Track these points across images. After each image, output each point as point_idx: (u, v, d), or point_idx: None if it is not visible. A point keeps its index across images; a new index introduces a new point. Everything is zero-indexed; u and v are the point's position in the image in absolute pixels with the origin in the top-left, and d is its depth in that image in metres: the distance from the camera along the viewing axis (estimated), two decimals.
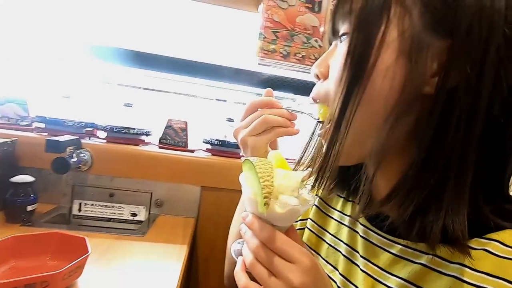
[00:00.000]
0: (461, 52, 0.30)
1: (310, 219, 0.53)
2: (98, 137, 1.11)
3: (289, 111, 0.50)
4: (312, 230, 0.52)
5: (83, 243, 0.60)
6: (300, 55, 1.05)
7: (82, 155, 0.95)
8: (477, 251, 0.30)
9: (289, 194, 0.33)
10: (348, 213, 0.47)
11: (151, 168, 1.02)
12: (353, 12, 0.33)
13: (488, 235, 0.31)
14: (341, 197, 0.50)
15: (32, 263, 0.60)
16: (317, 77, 0.39)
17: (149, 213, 1.03)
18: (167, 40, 1.22)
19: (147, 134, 1.11)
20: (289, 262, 0.31)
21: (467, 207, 0.31)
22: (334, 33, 0.38)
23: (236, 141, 0.53)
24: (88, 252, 0.57)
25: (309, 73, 1.11)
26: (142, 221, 1.02)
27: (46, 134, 0.94)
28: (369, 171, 0.36)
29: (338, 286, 0.43)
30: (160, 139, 1.13)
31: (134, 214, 1.03)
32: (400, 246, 0.37)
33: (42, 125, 1.03)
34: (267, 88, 0.52)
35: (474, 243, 0.31)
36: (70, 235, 0.64)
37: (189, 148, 1.12)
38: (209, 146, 1.10)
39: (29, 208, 0.81)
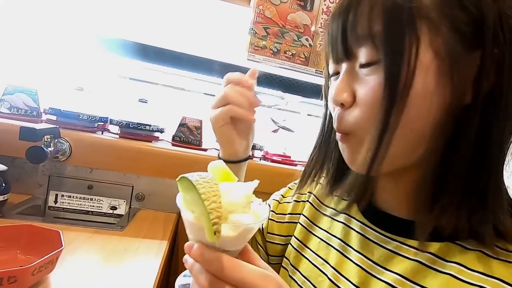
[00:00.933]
0: (492, 59, 0.31)
1: (303, 214, 0.54)
2: (111, 132, 1.08)
3: (257, 96, 0.49)
4: (304, 225, 0.53)
5: (57, 237, 0.58)
6: (290, 53, 1.04)
7: (60, 144, 0.92)
8: (473, 252, 0.32)
9: (241, 212, 0.29)
10: (340, 210, 0.48)
11: (132, 161, 0.99)
12: (376, 37, 0.32)
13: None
14: (335, 195, 0.51)
15: (0, 257, 0.56)
16: (341, 105, 0.37)
17: (130, 207, 1.00)
18: (158, 31, 1.19)
19: (161, 131, 1.10)
20: None
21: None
22: (348, 55, 0.36)
23: None
24: (61, 246, 0.55)
25: (299, 71, 1.10)
26: (122, 215, 0.99)
27: (57, 126, 0.90)
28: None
29: (329, 279, 0.43)
30: (174, 136, 1.11)
31: (113, 208, 1.00)
32: (396, 243, 0.38)
33: (54, 117, 0.99)
34: (253, 68, 0.51)
35: (470, 243, 0.33)
36: (43, 228, 0.61)
37: (203, 147, 1.12)
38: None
39: (0, 198, 0.77)
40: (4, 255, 0.57)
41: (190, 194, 0.28)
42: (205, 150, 1.12)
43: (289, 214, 0.57)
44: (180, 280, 0.36)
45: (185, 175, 0.29)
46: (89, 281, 0.57)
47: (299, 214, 0.55)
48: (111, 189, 0.99)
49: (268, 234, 0.58)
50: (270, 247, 0.57)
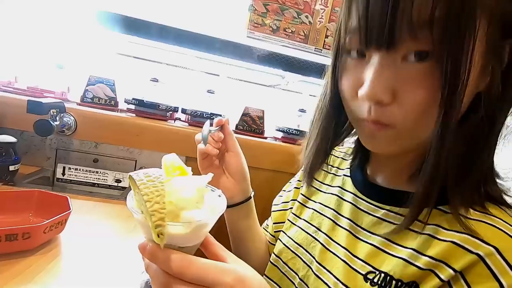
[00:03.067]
0: None
1: (301, 193, 0.58)
2: (181, 120, 1.13)
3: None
4: (300, 201, 0.58)
5: (66, 202, 0.62)
6: (290, 31, 1.05)
7: (66, 119, 0.95)
8: (451, 214, 0.35)
9: (193, 207, 0.28)
10: (335, 185, 0.52)
11: (134, 136, 1.03)
12: (435, 25, 0.27)
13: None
14: (328, 172, 0.56)
15: (14, 219, 0.61)
16: (380, 102, 0.32)
17: None
18: (157, 7, 1.19)
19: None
20: (207, 287, 0.28)
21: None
22: (393, 44, 0.30)
23: None
24: (70, 209, 0.59)
25: (298, 49, 1.10)
26: (126, 187, 1.04)
27: (62, 101, 0.93)
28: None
29: (321, 244, 0.46)
30: (237, 125, 1.15)
31: (118, 180, 1.05)
32: (384, 211, 0.41)
33: (132, 107, 1.05)
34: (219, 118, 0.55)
35: (450, 208, 0.35)
36: (52, 194, 0.65)
37: (265, 135, 1.16)
38: (283, 134, 1.14)
39: (12, 168, 0.81)
40: (18, 217, 0.62)
41: (137, 193, 0.27)
42: (265, 138, 1.16)
43: (291, 200, 0.61)
44: (143, 277, 0.35)
45: (132, 173, 0.27)
46: (96, 241, 0.62)
47: (295, 199, 0.60)
48: (115, 163, 1.04)
49: (274, 225, 0.63)
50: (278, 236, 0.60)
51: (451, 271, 0.32)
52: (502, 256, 0.30)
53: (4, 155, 0.81)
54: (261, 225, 0.66)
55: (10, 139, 0.82)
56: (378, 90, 0.31)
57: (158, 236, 0.26)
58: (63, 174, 1.02)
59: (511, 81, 0.32)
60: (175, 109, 1.09)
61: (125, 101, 1.06)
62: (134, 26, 1.09)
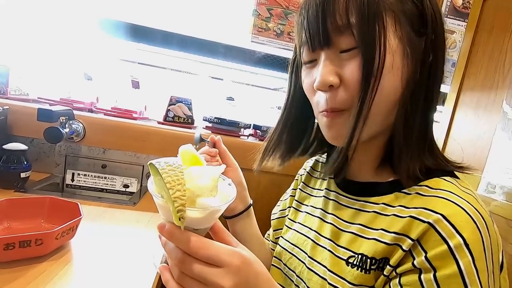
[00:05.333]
0: (431, 42, 0.40)
1: (295, 200, 0.63)
2: (244, 135, 1.16)
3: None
4: (294, 207, 0.62)
5: (76, 208, 0.63)
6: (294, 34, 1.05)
7: (75, 126, 0.97)
8: (412, 195, 0.41)
9: (207, 195, 0.31)
10: (323, 188, 0.56)
11: (142, 142, 1.04)
12: (353, 27, 0.37)
13: (421, 183, 0.41)
14: (317, 178, 0.61)
15: (26, 225, 0.62)
16: (330, 87, 0.41)
17: (141, 185, 1.06)
18: (161, 14, 1.20)
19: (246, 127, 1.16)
20: (217, 267, 0.31)
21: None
22: (328, 43, 0.40)
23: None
24: (80, 215, 0.60)
25: None
26: (134, 193, 1.05)
27: (71, 108, 0.96)
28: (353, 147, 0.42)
29: (312, 240, 0.51)
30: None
31: (126, 186, 1.06)
32: (360, 202, 0.47)
33: (209, 124, 1.11)
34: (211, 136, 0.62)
35: (411, 189, 0.41)
36: (63, 200, 0.67)
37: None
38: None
39: (23, 175, 0.83)
40: (30, 223, 0.63)
41: (158, 179, 0.30)
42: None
43: (288, 207, 0.65)
44: (157, 261, 0.38)
45: (153, 161, 0.30)
46: (106, 246, 0.63)
47: (290, 207, 0.65)
48: (123, 168, 1.05)
49: (274, 232, 0.66)
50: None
51: (410, 241, 0.36)
52: (448, 221, 0.34)
53: (15, 163, 0.82)
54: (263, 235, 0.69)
55: (21, 146, 0.84)
56: (327, 77, 0.40)
57: (180, 219, 0.29)
58: (72, 180, 1.03)
59: (433, 70, 0.41)
60: (249, 126, 1.15)
61: (204, 119, 1.11)
62: (141, 33, 1.11)
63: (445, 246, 0.33)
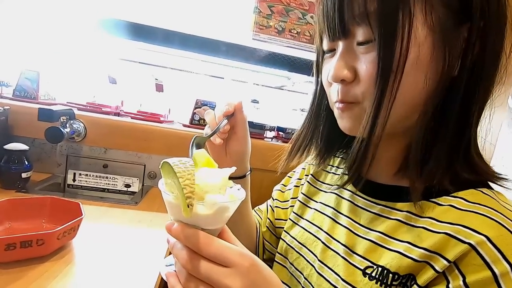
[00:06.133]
0: (477, 32, 0.34)
1: (301, 193, 0.59)
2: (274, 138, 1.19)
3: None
4: (302, 201, 0.58)
5: (77, 208, 0.63)
6: (295, 31, 1.04)
7: (76, 125, 0.96)
8: (444, 206, 0.36)
9: (216, 192, 0.31)
10: (335, 184, 0.52)
11: (143, 141, 1.03)
12: (371, 16, 0.33)
13: (455, 194, 0.36)
14: (328, 172, 0.57)
15: (27, 225, 0.62)
16: (342, 81, 0.38)
17: (143, 185, 1.06)
18: (162, 13, 1.20)
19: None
20: (225, 267, 0.30)
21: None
22: (345, 33, 0.37)
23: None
24: (82, 215, 0.60)
25: (304, 50, 1.10)
26: (136, 192, 1.04)
27: (71, 108, 0.97)
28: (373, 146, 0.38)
29: (322, 242, 0.47)
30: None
31: (128, 185, 1.05)
32: (380, 206, 0.43)
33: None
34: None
35: (443, 200, 0.37)
36: (64, 200, 0.66)
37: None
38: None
39: (24, 175, 0.83)
40: (31, 223, 0.63)
41: (169, 176, 0.30)
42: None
43: (291, 199, 0.62)
44: (164, 268, 0.37)
45: (167, 160, 0.31)
46: (108, 246, 0.63)
47: (296, 197, 0.60)
48: (124, 168, 1.05)
49: (276, 221, 0.63)
50: (279, 231, 0.61)
51: (445, 261, 0.32)
52: (493, 244, 0.30)
53: (16, 163, 0.82)
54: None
55: (22, 146, 0.83)
56: (341, 70, 0.37)
57: (188, 206, 0.28)
58: (74, 180, 1.03)
59: (478, 65, 0.35)
60: (273, 128, 1.16)
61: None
62: (140, 32, 1.10)
63: (489, 273, 0.29)
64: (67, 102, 1.15)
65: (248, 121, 0.56)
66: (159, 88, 1.19)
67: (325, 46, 0.42)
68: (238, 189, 0.36)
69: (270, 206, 0.66)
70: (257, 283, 0.31)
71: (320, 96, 0.48)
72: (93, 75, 1.26)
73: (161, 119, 1.16)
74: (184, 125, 1.13)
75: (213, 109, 0.53)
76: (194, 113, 1.11)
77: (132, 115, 1.14)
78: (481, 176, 0.38)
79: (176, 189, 0.29)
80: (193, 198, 0.29)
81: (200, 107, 1.11)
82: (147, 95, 1.25)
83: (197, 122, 1.12)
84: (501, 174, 0.38)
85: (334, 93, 0.41)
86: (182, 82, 1.37)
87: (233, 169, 0.34)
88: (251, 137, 0.57)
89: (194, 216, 0.30)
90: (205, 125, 0.55)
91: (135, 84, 1.29)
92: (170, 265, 0.37)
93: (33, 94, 1.07)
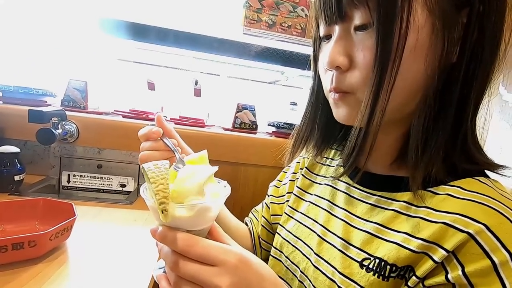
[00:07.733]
0: (477, 16, 0.33)
1: (297, 186, 0.59)
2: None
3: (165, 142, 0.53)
4: (297, 194, 0.58)
5: (70, 208, 0.62)
6: (286, 25, 1.03)
7: (68, 126, 0.95)
8: (441, 195, 0.36)
9: (196, 193, 0.30)
10: (329, 175, 0.52)
11: (136, 140, 1.02)
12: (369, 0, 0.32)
13: (451, 182, 0.36)
14: (323, 164, 0.57)
15: (20, 228, 0.62)
16: (337, 67, 0.37)
17: (138, 184, 1.05)
18: (150, 9, 1.18)
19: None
20: (212, 266, 0.30)
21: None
22: (342, 16, 0.35)
23: None
24: (75, 216, 0.59)
25: (296, 43, 1.09)
26: (131, 192, 1.04)
27: (63, 109, 0.95)
28: (369, 136, 0.37)
29: (318, 235, 0.47)
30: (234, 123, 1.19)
31: (123, 185, 1.05)
32: (376, 197, 0.42)
33: (275, 129, 1.16)
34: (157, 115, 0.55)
35: (440, 189, 0.36)
36: (57, 201, 0.66)
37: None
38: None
39: (17, 178, 0.82)
40: (24, 226, 0.62)
41: (148, 181, 0.30)
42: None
43: (287, 193, 0.61)
44: (156, 272, 0.37)
45: (144, 164, 0.31)
46: (103, 246, 0.62)
47: (291, 192, 0.60)
48: (119, 168, 1.04)
49: (272, 217, 0.63)
50: (276, 228, 0.61)
51: (443, 251, 0.32)
52: (492, 232, 0.30)
53: (8, 166, 0.81)
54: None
55: (14, 149, 0.83)
56: (335, 57, 0.36)
57: (162, 212, 0.28)
58: (68, 181, 1.02)
59: (477, 51, 0.34)
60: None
61: (269, 124, 1.15)
62: (134, 30, 1.09)
63: (488, 262, 0.29)
64: (114, 111, 1.16)
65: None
66: (197, 93, 1.20)
67: (322, 32, 0.40)
68: (225, 186, 0.35)
69: (266, 203, 0.66)
70: (247, 279, 0.31)
71: (318, 86, 0.48)
72: (131, 82, 1.26)
73: (204, 123, 1.16)
74: (225, 129, 1.14)
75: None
76: (236, 117, 1.14)
77: (175, 121, 1.13)
78: (478, 165, 0.37)
79: (150, 191, 0.29)
80: (167, 203, 0.28)
81: (241, 111, 1.14)
82: (185, 100, 1.25)
83: (239, 126, 1.14)
84: (498, 163, 0.38)
85: (328, 80, 0.40)
86: (217, 86, 1.37)
87: (216, 168, 0.33)
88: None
89: (176, 219, 0.30)
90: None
91: (173, 89, 1.30)
92: (162, 267, 0.37)
93: (82, 104, 1.07)
